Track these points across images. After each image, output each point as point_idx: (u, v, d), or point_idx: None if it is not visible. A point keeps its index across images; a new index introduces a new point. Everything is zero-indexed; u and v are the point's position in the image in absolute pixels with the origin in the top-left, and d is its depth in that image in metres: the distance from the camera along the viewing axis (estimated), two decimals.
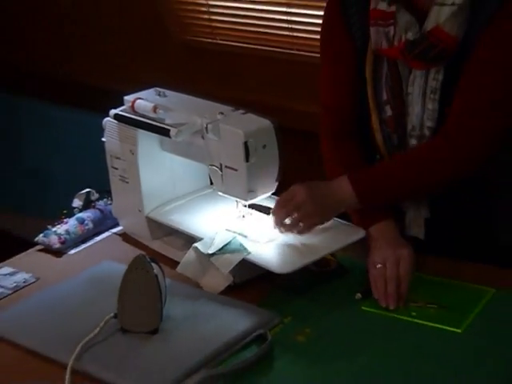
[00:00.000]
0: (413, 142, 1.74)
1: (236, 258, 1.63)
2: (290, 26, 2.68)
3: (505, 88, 1.64)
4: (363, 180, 1.70)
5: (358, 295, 1.62)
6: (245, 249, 1.65)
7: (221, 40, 2.91)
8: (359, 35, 1.79)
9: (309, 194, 1.65)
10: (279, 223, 1.68)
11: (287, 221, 1.67)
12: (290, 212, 1.66)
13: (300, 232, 1.67)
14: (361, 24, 1.77)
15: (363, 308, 1.59)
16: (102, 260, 1.82)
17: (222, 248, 1.66)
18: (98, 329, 1.49)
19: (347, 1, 1.80)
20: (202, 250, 1.67)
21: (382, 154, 1.81)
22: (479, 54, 1.63)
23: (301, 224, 1.66)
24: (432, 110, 1.70)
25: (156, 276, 1.50)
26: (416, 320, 1.54)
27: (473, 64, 1.64)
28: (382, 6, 1.70)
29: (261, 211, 1.77)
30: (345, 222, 1.75)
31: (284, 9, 2.68)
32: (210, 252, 1.66)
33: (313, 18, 2.60)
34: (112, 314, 1.51)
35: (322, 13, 2.53)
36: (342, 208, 1.71)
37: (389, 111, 1.77)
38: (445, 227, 1.77)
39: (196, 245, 1.68)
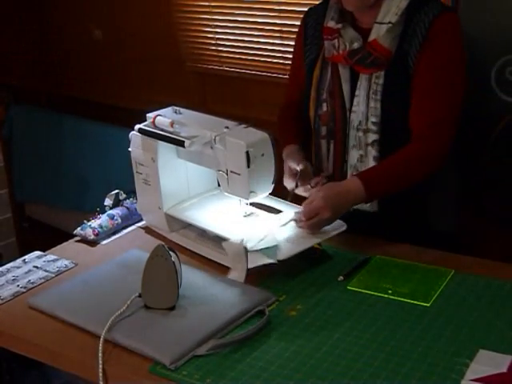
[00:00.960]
0: (359, 134, 1.78)
1: (263, 260, 1.60)
2: (283, 55, 2.67)
3: (450, 100, 1.73)
4: (372, 181, 1.69)
5: (341, 278, 1.61)
6: (275, 257, 1.60)
7: (227, 67, 2.90)
8: (313, 49, 1.88)
9: (333, 213, 1.65)
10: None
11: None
12: (316, 225, 1.66)
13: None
14: (316, 41, 1.87)
15: (348, 287, 1.58)
16: (129, 249, 1.81)
17: (261, 249, 1.62)
18: (125, 306, 1.48)
19: (308, 24, 1.92)
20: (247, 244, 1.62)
21: (313, 142, 1.89)
22: (422, 74, 1.71)
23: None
24: (375, 108, 1.75)
25: (173, 262, 1.49)
26: (392, 297, 1.53)
27: (419, 83, 1.72)
28: (331, 24, 1.81)
29: (261, 209, 1.77)
30: None
31: (278, 41, 2.67)
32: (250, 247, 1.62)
33: None
34: (137, 294, 1.51)
35: None
36: (352, 205, 1.71)
37: (324, 108, 1.84)
38: (390, 216, 1.80)
39: (246, 241, 1.63)
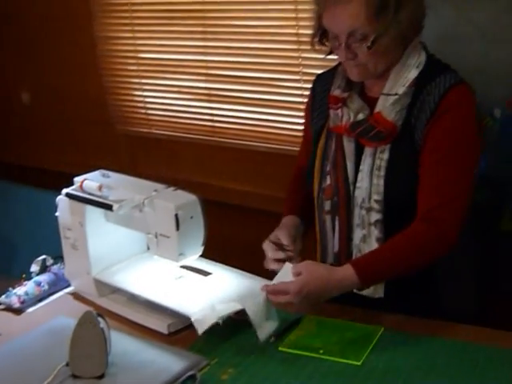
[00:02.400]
0: (362, 212, 1.65)
1: (272, 327, 1.58)
2: (211, 117, 2.70)
3: (458, 181, 1.59)
4: (366, 268, 1.55)
5: (272, 339, 1.59)
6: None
7: (155, 130, 2.90)
8: (320, 117, 1.78)
9: (306, 303, 1.53)
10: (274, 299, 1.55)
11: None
12: (298, 299, 1.52)
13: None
14: (323, 108, 1.76)
15: (280, 348, 1.57)
16: (56, 316, 1.75)
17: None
18: (51, 376, 1.43)
19: (317, 92, 1.80)
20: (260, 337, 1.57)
21: (317, 217, 1.76)
22: (430, 152, 1.59)
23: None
24: (377, 185, 1.62)
25: (102, 329, 1.45)
26: (323, 356, 1.52)
27: (427, 161, 1.59)
28: (337, 93, 1.70)
29: (192, 271, 1.76)
30: (259, 277, 1.74)
31: (206, 104, 2.70)
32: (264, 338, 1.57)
33: (230, 111, 2.63)
34: (64, 363, 1.45)
35: (237, 107, 2.59)
36: (338, 293, 1.56)
37: (328, 181, 1.72)
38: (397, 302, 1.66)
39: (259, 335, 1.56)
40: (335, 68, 1.76)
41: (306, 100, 1.92)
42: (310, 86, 1.85)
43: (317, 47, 1.69)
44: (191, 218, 1.64)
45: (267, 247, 1.68)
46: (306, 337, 1.61)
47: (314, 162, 1.77)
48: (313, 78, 1.86)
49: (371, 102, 1.66)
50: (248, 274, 1.75)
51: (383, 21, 1.53)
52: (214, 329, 1.61)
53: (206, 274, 1.76)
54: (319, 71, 1.84)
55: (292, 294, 1.52)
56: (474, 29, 1.85)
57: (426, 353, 1.51)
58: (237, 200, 2.59)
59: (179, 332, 1.65)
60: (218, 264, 1.81)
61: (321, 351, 1.54)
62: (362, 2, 1.52)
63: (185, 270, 1.76)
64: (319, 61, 1.77)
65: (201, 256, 1.73)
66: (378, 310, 1.66)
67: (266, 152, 2.50)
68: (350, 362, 1.49)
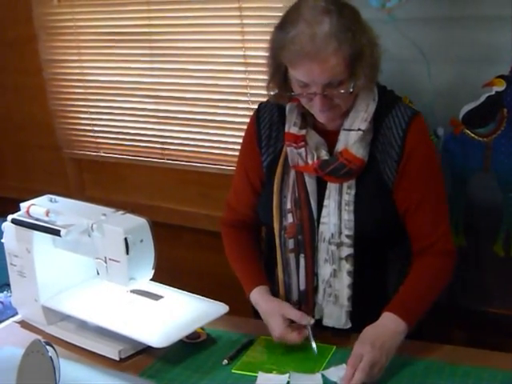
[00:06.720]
0: (332, 248, 1.64)
1: None
2: (161, 140, 2.68)
3: (443, 208, 1.68)
4: (406, 310, 1.57)
5: (225, 361, 1.60)
6: None
7: (104, 153, 2.87)
8: (270, 152, 1.74)
9: (376, 349, 1.47)
10: None
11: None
12: (368, 374, 1.45)
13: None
14: (272, 142, 1.73)
15: (233, 371, 1.56)
16: (3, 346, 1.71)
17: None
18: None
19: (262, 123, 1.76)
20: None
21: (279, 256, 1.71)
22: (410, 190, 1.63)
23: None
24: (348, 220, 1.62)
25: (50, 357, 1.42)
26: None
27: (410, 199, 1.63)
28: (294, 130, 1.66)
29: (142, 295, 1.74)
30: (210, 300, 1.73)
31: (155, 126, 2.69)
32: None
33: (179, 133, 2.62)
34: None
35: (188, 129, 2.59)
36: (400, 340, 1.53)
37: (290, 219, 1.67)
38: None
39: None
40: (275, 97, 1.69)
41: None
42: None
43: (271, 92, 1.67)
44: (141, 241, 1.62)
45: (286, 335, 1.61)
46: (258, 358, 1.61)
47: (269, 198, 1.71)
48: (261, 98, 1.86)
49: (326, 136, 1.66)
50: (199, 297, 1.75)
51: (363, 65, 1.53)
52: (166, 353, 1.60)
53: (157, 297, 1.75)
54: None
55: (375, 357, 1.46)
56: (417, 50, 1.89)
57: None
58: (187, 222, 2.57)
59: (130, 358, 1.63)
60: (168, 287, 1.80)
61: (274, 372, 1.54)
62: (339, 55, 1.49)
63: (135, 295, 1.74)
64: (265, 81, 1.75)
65: (151, 279, 1.71)
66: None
67: (216, 173, 2.50)
68: None
